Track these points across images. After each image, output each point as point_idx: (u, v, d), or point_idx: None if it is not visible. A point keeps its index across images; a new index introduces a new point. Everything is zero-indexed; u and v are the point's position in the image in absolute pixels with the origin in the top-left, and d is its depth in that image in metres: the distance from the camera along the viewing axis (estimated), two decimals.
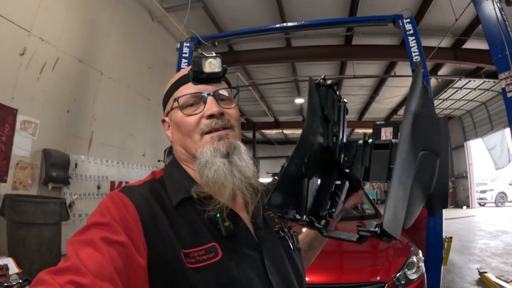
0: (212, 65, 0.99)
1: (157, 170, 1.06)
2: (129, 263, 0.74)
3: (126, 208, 0.83)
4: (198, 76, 0.99)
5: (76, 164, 5.27)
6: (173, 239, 0.84)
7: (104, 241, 0.73)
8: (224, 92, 1.04)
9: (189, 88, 1.01)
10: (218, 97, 1.01)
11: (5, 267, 2.19)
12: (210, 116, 0.98)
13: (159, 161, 7.60)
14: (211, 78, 1.01)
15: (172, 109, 1.03)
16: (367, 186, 27.49)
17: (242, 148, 1.01)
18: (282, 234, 1.07)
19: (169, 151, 5.93)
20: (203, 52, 1.01)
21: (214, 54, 1.00)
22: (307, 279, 1.12)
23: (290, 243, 1.07)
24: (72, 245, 0.72)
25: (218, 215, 0.90)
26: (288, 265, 1.00)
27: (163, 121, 1.10)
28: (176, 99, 1.00)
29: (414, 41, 5.11)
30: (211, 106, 0.98)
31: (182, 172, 1.02)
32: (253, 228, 0.98)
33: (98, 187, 5.81)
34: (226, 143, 0.97)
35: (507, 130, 10.90)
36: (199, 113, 0.99)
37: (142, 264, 0.77)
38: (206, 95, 1.00)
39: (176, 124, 1.02)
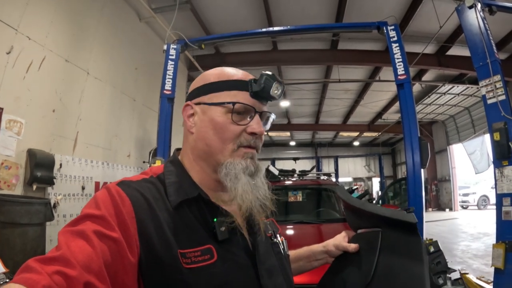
0: (276, 90, 1.00)
1: (155, 167, 1.04)
2: (119, 259, 0.75)
3: (122, 203, 0.82)
4: (260, 94, 0.99)
5: (61, 164, 5.21)
6: (170, 239, 0.84)
7: (97, 234, 0.73)
8: (267, 114, 1.06)
9: (245, 98, 0.98)
10: (262, 117, 1.03)
11: None
12: (253, 134, 0.98)
13: (144, 162, 7.57)
14: (267, 99, 1.03)
15: (214, 104, 0.99)
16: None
17: (263, 170, 1.04)
18: (275, 240, 1.10)
19: (154, 153, 5.89)
20: (274, 74, 1.01)
21: (281, 80, 1.01)
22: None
23: (281, 249, 1.10)
24: (64, 235, 0.72)
25: (215, 219, 0.91)
26: (279, 270, 1.02)
27: (187, 105, 1.04)
28: (233, 103, 0.97)
29: (398, 47, 5.22)
30: (259, 126, 0.99)
31: (184, 173, 1.00)
32: (248, 233, 1.00)
33: (83, 188, 5.75)
34: (255, 164, 0.99)
35: (487, 135, 11.13)
36: (244, 125, 0.98)
37: (132, 262, 0.77)
38: (255, 112, 1.00)
39: (213, 123, 0.98)
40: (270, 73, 0.99)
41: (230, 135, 0.97)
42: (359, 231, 1.31)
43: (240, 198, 0.94)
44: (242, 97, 0.98)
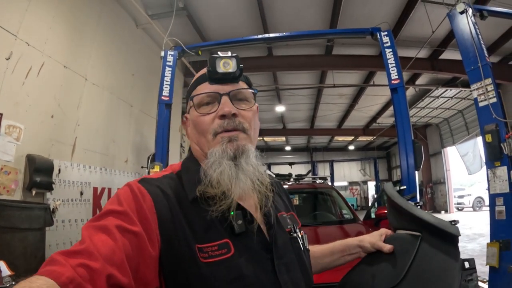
0: (227, 65, 1.00)
1: (175, 164, 1.08)
2: (141, 253, 0.77)
3: (143, 199, 0.85)
4: (213, 76, 1.01)
5: (59, 170, 5.23)
6: (188, 233, 0.87)
7: (119, 229, 0.76)
8: (241, 93, 1.04)
9: (205, 88, 1.02)
10: (234, 97, 1.01)
11: None
12: (223, 116, 0.98)
13: (142, 167, 7.59)
14: (227, 78, 1.01)
15: (190, 107, 1.05)
16: (347, 192, 27.75)
17: (252, 152, 1.00)
18: (294, 235, 1.07)
19: (153, 158, 5.93)
20: (219, 52, 1.01)
21: (229, 54, 1.01)
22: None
23: (301, 244, 1.08)
24: (87, 230, 0.75)
25: (232, 213, 0.92)
26: (297, 265, 1.01)
27: (186, 118, 1.12)
28: (191, 98, 1.03)
29: (391, 53, 5.32)
30: (223, 106, 0.98)
31: (198, 167, 1.01)
32: (266, 227, 0.99)
33: (81, 193, 5.77)
34: (234, 146, 0.96)
35: (479, 138, 11.23)
36: (213, 112, 0.99)
37: (153, 255, 0.80)
38: (220, 95, 1.00)
39: (193, 122, 1.04)
40: (219, 53, 1.01)
41: (204, 126, 1.00)
42: (398, 231, 1.31)
43: (216, 182, 0.93)
44: (203, 88, 1.03)
